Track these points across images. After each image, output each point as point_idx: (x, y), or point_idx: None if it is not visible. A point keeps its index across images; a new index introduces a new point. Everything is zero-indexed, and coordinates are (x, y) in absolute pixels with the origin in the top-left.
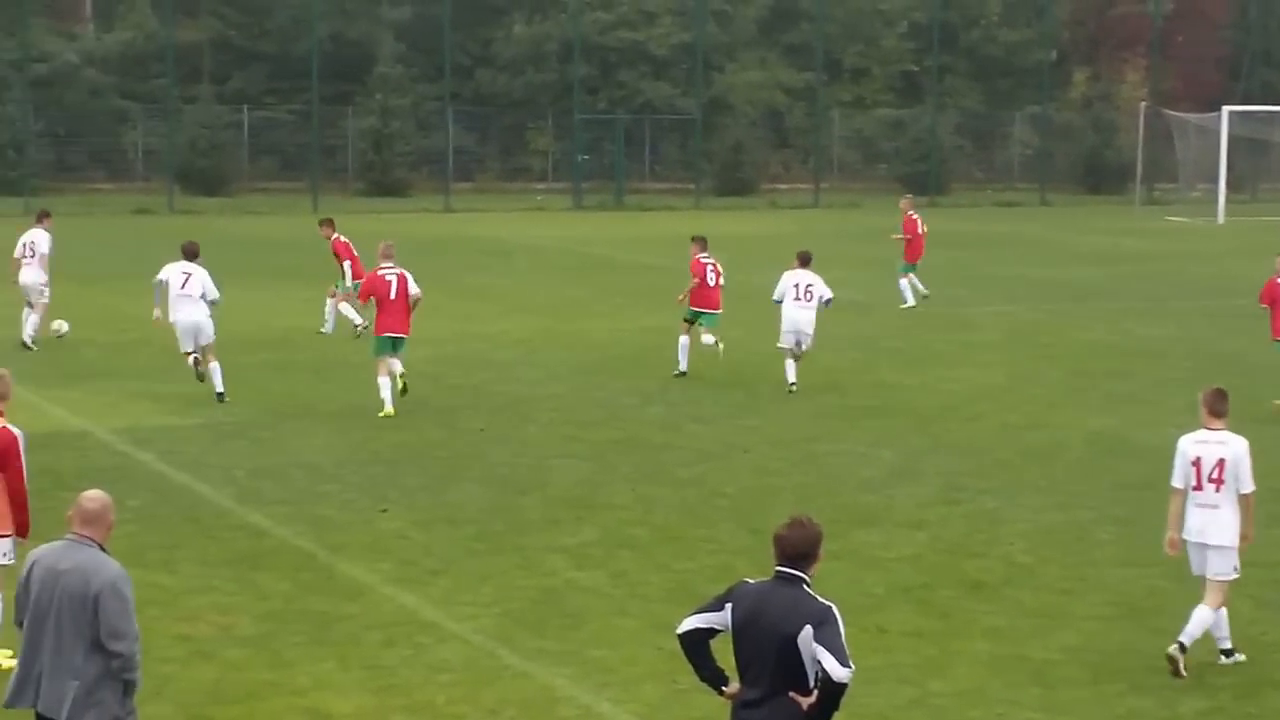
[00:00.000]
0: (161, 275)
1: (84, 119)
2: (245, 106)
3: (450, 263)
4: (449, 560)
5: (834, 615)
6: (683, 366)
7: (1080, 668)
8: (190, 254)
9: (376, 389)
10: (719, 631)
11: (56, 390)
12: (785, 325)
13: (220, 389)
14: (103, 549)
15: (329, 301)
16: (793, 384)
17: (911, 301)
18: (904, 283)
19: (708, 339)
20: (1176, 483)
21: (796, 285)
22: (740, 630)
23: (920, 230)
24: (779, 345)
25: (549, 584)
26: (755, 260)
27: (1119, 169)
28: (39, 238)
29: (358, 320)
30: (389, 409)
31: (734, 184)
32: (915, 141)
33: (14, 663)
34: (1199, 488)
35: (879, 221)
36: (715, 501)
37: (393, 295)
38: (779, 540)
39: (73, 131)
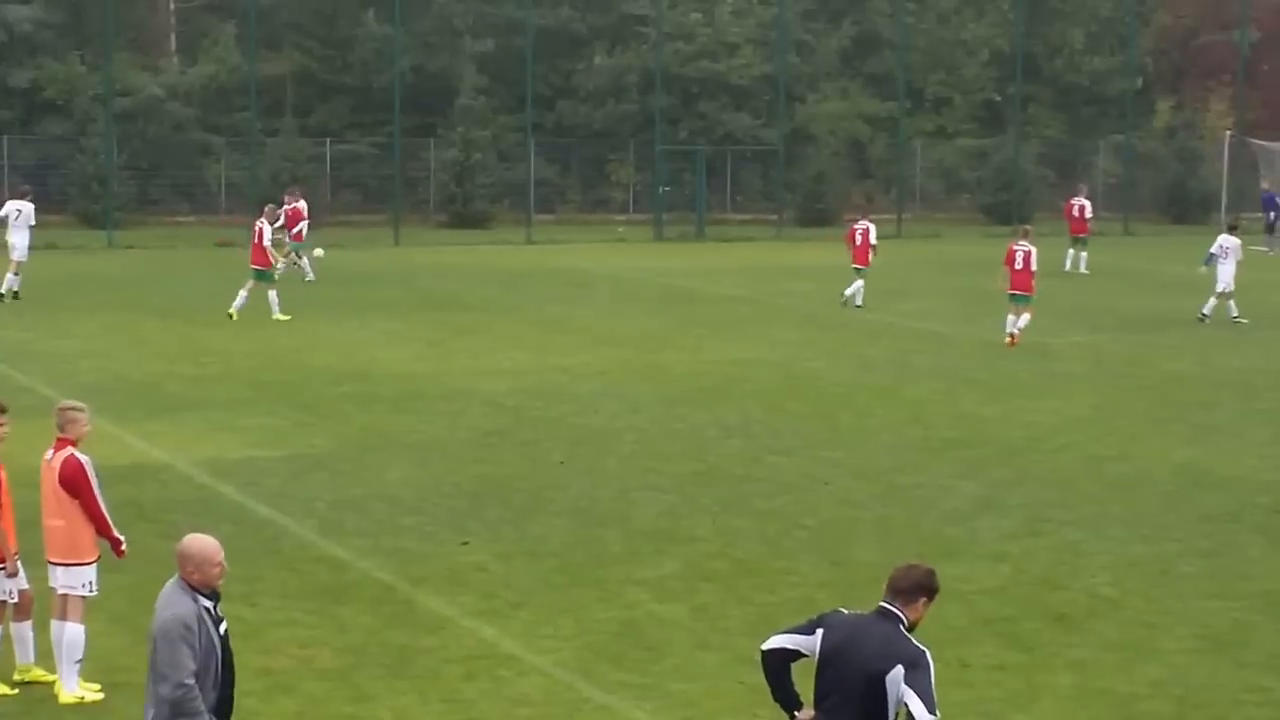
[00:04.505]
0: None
1: (167, 152)
2: (328, 139)
3: (531, 294)
4: (529, 593)
5: (927, 660)
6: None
7: (1165, 701)
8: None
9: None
10: (803, 656)
11: (139, 423)
12: None
13: None
14: (191, 588)
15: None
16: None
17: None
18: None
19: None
20: None
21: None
22: (828, 658)
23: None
24: None
25: (630, 616)
26: (837, 291)
27: (1203, 198)
28: (26, 207)
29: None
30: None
31: (815, 215)
32: (998, 171)
33: (100, 696)
34: None
35: (961, 252)
36: (796, 534)
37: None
38: (891, 576)
39: (155, 164)
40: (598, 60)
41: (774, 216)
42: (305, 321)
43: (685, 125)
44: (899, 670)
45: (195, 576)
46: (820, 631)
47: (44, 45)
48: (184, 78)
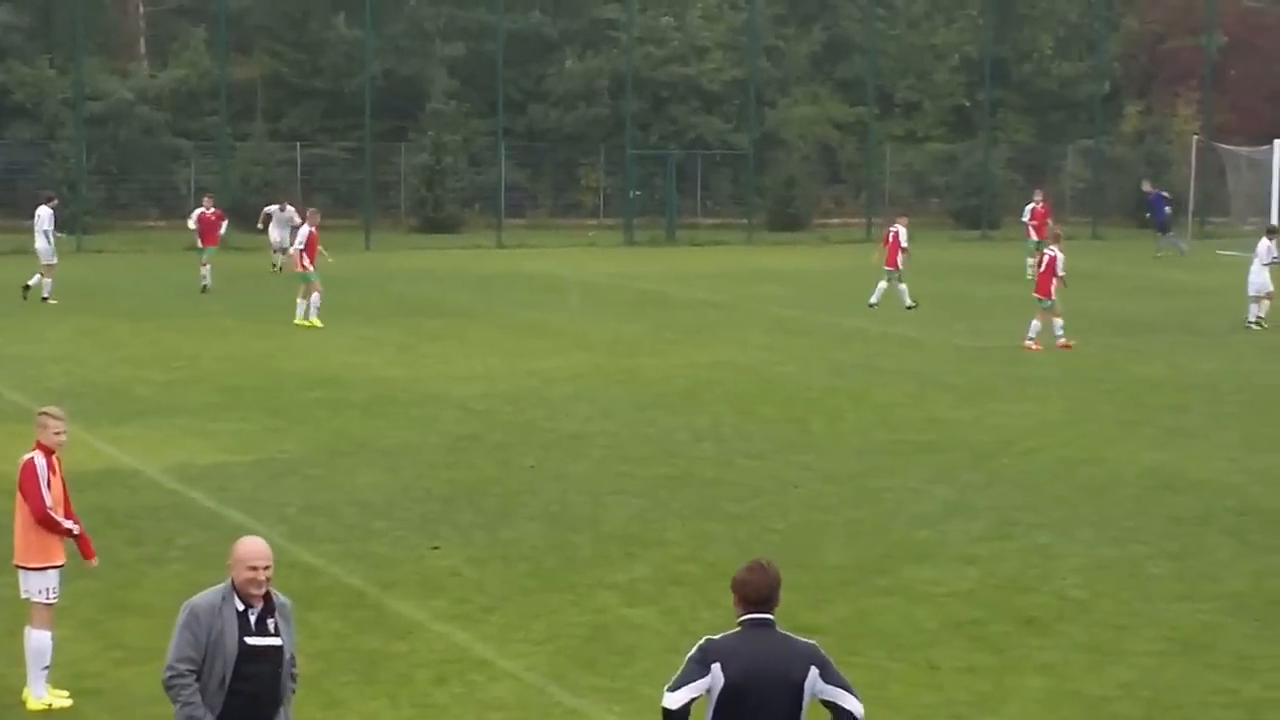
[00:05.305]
0: None
1: (137, 156)
2: (298, 144)
3: (502, 298)
4: (501, 597)
5: (824, 651)
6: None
7: (1134, 703)
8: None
9: None
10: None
11: (108, 428)
12: None
13: None
14: (234, 587)
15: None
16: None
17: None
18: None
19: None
20: None
21: None
22: (741, 686)
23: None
24: None
25: (601, 621)
26: (808, 295)
27: (1171, 203)
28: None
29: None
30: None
31: (786, 219)
32: (967, 176)
33: (68, 703)
34: None
35: (931, 256)
36: (766, 537)
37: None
38: (746, 586)
39: (125, 169)
40: (568, 64)
41: (744, 221)
42: (277, 326)
43: (656, 129)
44: (814, 672)
45: (232, 574)
46: (716, 665)
47: (12, 49)
48: (154, 82)
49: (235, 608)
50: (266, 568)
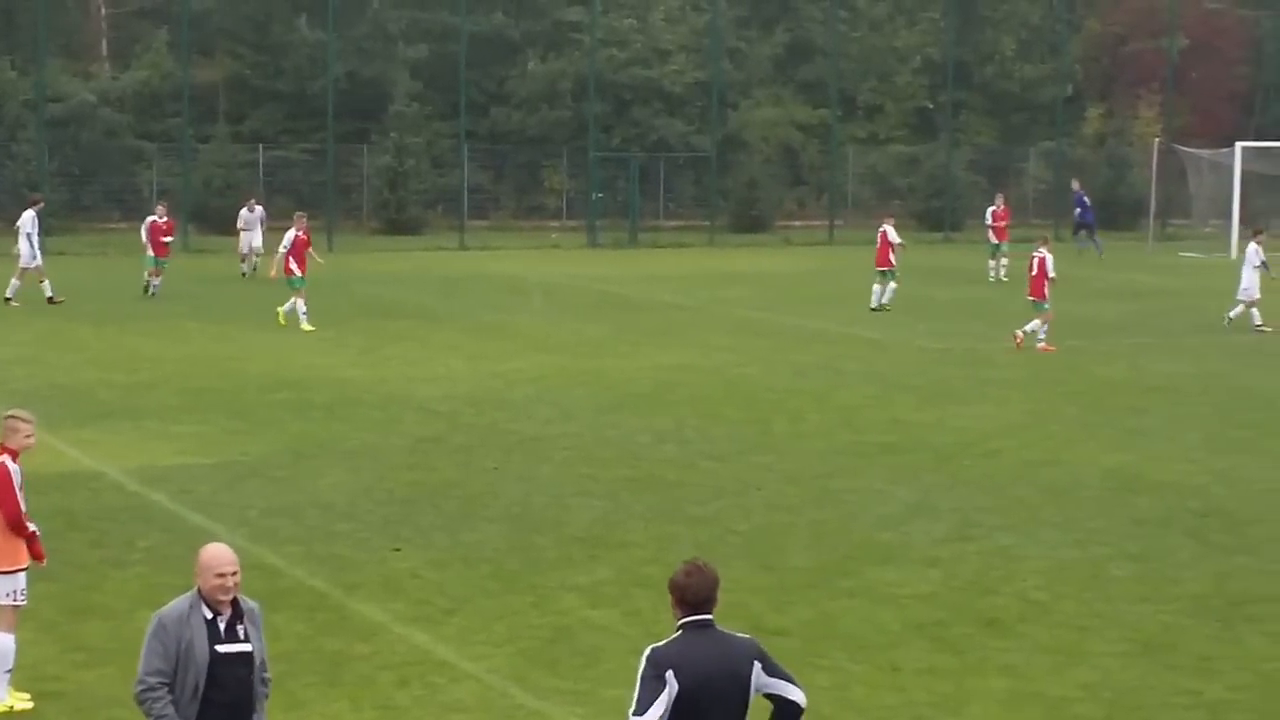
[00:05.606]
0: None
1: (99, 158)
2: (261, 146)
3: (465, 301)
4: (463, 599)
5: (760, 644)
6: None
7: (1096, 705)
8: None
9: None
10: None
11: (71, 430)
12: None
13: None
14: (200, 595)
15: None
16: None
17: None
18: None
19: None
20: None
21: None
22: (696, 692)
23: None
24: None
25: (563, 623)
26: (770, 297)
27: (1133, 205)
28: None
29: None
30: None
31: (748, 221)
32: (930, 178)
33: (29, 705)
34: None
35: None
36: (729, 539)
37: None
38: (685, 589)
39: (88, 171)
40: (531, 66)
41: (707, 223)
42: (238, 328)
43: (619, 132)
44: (756, 667)
45: (199, 581)
46: (669, 673)
47: None
48: (116, 84)
49: (204, 616)
50: (235, 573)
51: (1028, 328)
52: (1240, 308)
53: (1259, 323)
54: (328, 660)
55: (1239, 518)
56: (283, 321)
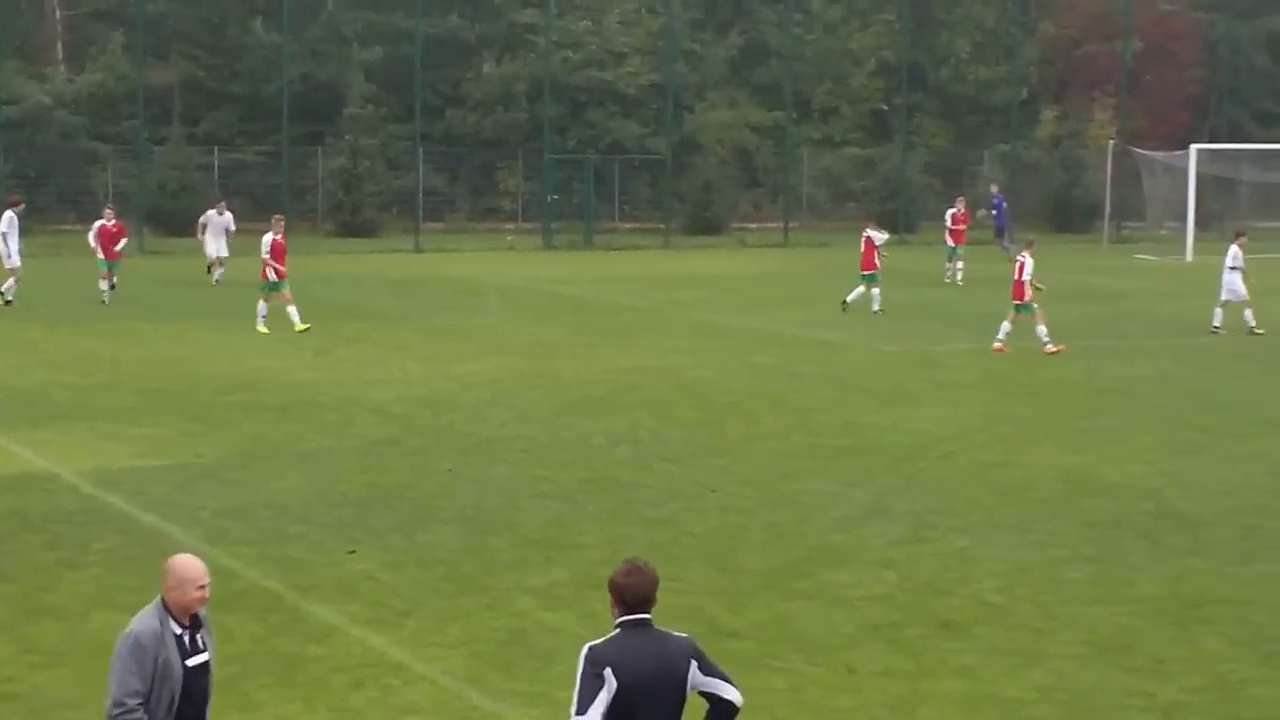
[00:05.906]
0: None
1: (54, 160)
2: (216, 148)
3: (420, 303)
4: (417, 601)
5: (695, 642)
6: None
7: (1052, 706)
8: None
9: None
10: None
11: (24, 432)
12: None
13: None
14: (166, 609)
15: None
16: None
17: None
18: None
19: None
20: None
21: None
22: (634, 690)
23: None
24: None
25: (518, 625)
26: (725, 299)
27: (1087, 207)
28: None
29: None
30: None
31: (703, 223)
32: (885, 180)
33: None
34: None
35: (849, 260)
36: (684, 541)
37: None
38: (625, 589)
39: (42, 173)
40: (486, 69)
41: (662, 225)
42: (193, 330)
43: (573, 134)
44: (693, 665)
45: (173, 595)
46: (608, 670)
47: None
48: (71, 86)
49: (173, 631)
50: (209, 583)
51: (1045, 337)
52: (1220, 314)
53: (1253, 324)
54: (282, 662)
55: (1193, 519)
56: (265, 330)
